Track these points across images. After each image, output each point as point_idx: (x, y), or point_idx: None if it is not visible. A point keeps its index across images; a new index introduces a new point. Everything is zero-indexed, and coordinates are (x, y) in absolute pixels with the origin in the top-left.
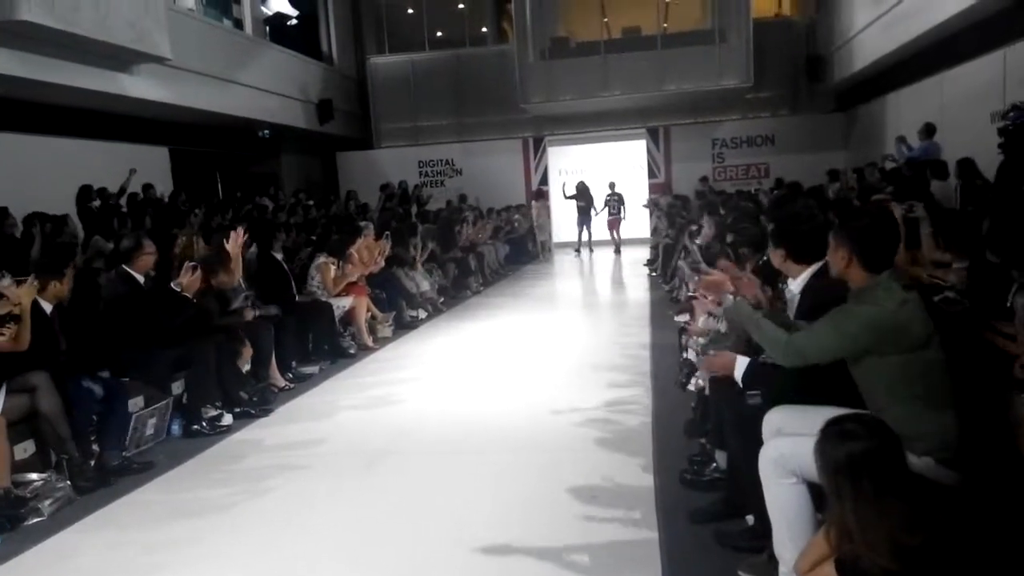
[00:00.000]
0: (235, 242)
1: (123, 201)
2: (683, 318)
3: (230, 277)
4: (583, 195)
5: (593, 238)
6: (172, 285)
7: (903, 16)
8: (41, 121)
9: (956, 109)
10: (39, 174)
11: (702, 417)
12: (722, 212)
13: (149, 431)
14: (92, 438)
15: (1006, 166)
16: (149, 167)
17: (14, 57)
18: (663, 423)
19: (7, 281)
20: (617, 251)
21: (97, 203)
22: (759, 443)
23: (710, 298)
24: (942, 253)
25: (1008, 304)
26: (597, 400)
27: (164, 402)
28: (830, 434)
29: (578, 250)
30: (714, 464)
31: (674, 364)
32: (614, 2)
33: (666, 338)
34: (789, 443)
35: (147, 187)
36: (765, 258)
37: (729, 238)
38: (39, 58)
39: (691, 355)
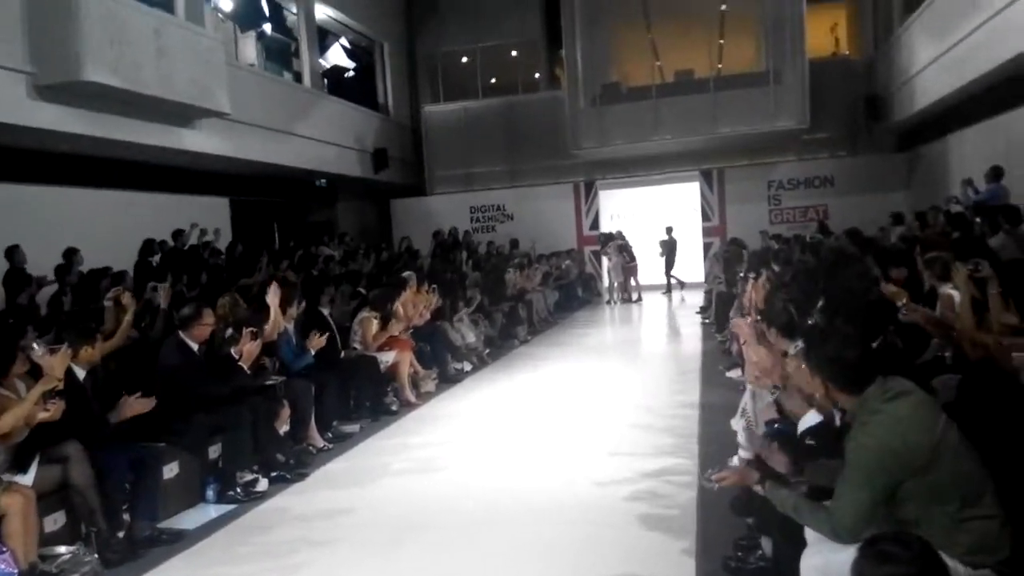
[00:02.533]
0: (274, 295)
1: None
2: (734, 374)
3: (272, 329)
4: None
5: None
6: (232, 352)
7: (966, 54)
8: (105, 175)
9: (1023, 150)
10: (103, 226)
11: (750, 494)
12: (775, 268)
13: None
14: (124, 507)
15: None
16: (210, 218)
17: (80, 116)
18: (709, 497)
19: (41, 350)
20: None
21: (158, 257)
22: (802, 541)
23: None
24: (1013, 315)
25: None
26: (642, 469)
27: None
28: (868, 554)
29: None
30: (760, 551)
31: (722, 429)
32: (666, 46)
33: (716, 396)
34: (835, 555)
35: (206, 244)
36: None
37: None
38: (103, 116)
39: (739, 426)
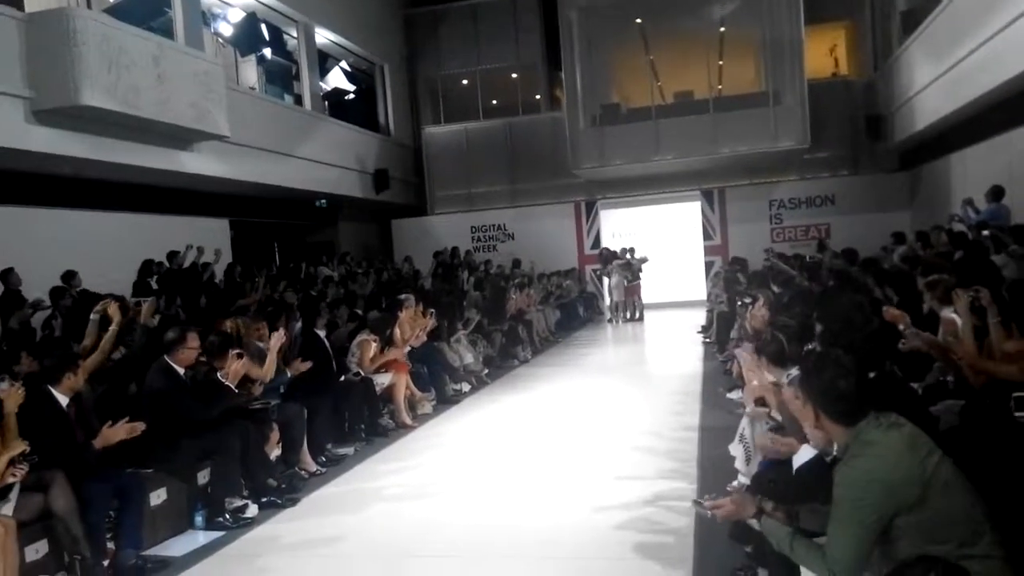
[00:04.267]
0: (277, 342)
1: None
2: (735, 395)
3: (264, 372)
4: (608, 261)
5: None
6: (219, 376)
7: (967, 74)
8: (105, 197)
9: None
10: (104, 248)
11: None
12: (775, 289)
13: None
14: (108, 535)
15: None
16: (210, 239)
17: (78, 139)
18: (707, 525)
19: (4, 385)
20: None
21: (156, 278)
22: (799, 573)
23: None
24: (1016, 341)
25: None
26: (639, 494)
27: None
28: None
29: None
30: None
31: (722, 453)
32: (666, 68)
33: (716, 419)
34: None
35: (205, 265)
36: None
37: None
38: (102, 139)
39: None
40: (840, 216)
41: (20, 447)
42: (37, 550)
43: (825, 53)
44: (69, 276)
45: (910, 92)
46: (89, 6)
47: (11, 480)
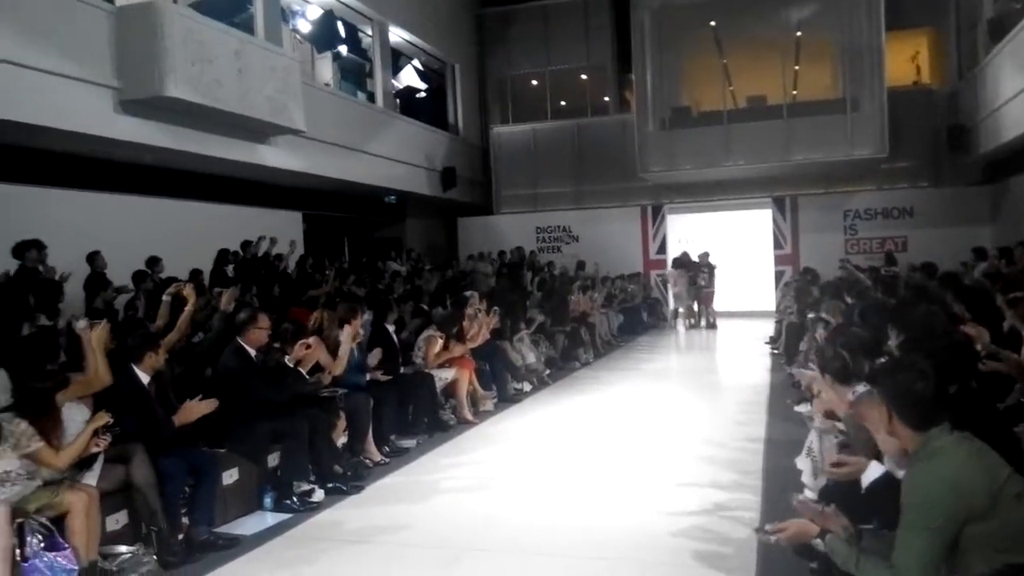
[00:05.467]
0: (349, 336)
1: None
2: (803, 408)
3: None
4: (687, 265)
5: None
6: (287, 360)
7: None
8: (184, 186)
9: None
10: (182, 236)
11: None
12: (848, 300)
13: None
14: (183, 510)
15: None
16: (284, 231)
17: (162, 129)
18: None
19: (83, 323)
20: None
21: (232, 266)
22: None
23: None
24: None
25: None
26: (699, 503)
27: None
28: None
29: (692, 324)
30: None
31: (787, 466)
32: (739, 72)
33: (782, 432)
34: None
35: (278, 256)
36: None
37: (840, 340)
38: (184, 130)
39: (805, 466)
40: (918, 229)
41: (104, 419)
42: (117, 520)
43: (907, 60)
44: (153, 262)
45: (996, 102)
46: (175, 1)
47: (95, 450)
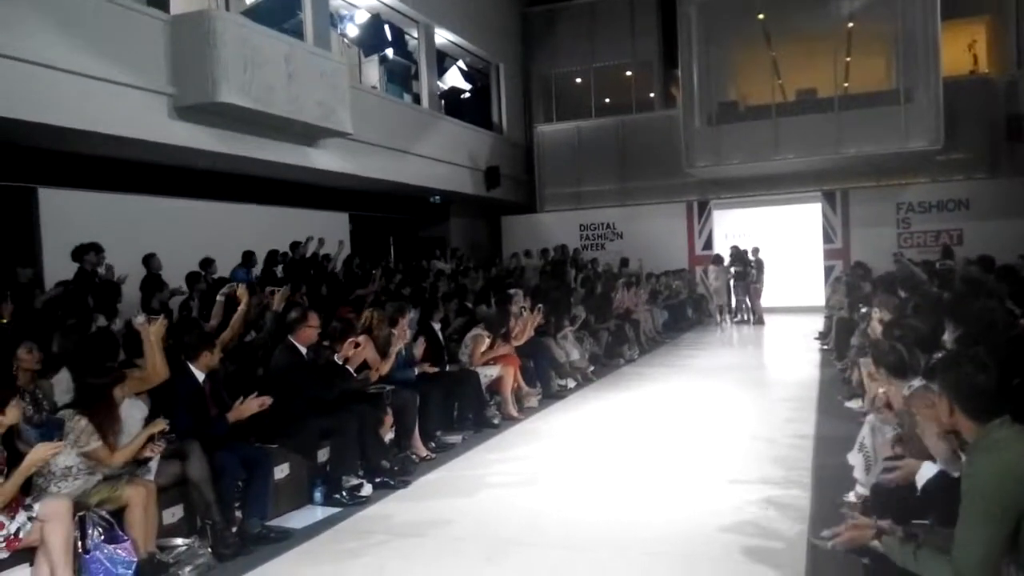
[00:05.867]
0: (399, 338)
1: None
2: (855, 404)
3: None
4: (739, 260)
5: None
6: (336, 358)
7: None
8: (235, 190)
9: None
10: (233, 238)
11: None
12: (902, 294)
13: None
14: (236, 504)
15: None
16: (331, 232)
17: (214, 134)
18: (821, 533)
19: (141, 318)
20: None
21: (281, 267)
22: None
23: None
24: None
25: None
26: (748, 499)
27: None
28: None
29: (739, 319)
30: None
31: (838, 462)
32: (788, 65)
33: (832, 429)
34: None
35: (326, 256)
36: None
37: (896, 333)
38: (236, 135)
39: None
40: (974, 222)
41: (160, 425)
42: (173, 514)
43: (963, 50)
44: (207, 263)
45: None
46: (228, 8)
47: (148, 455)
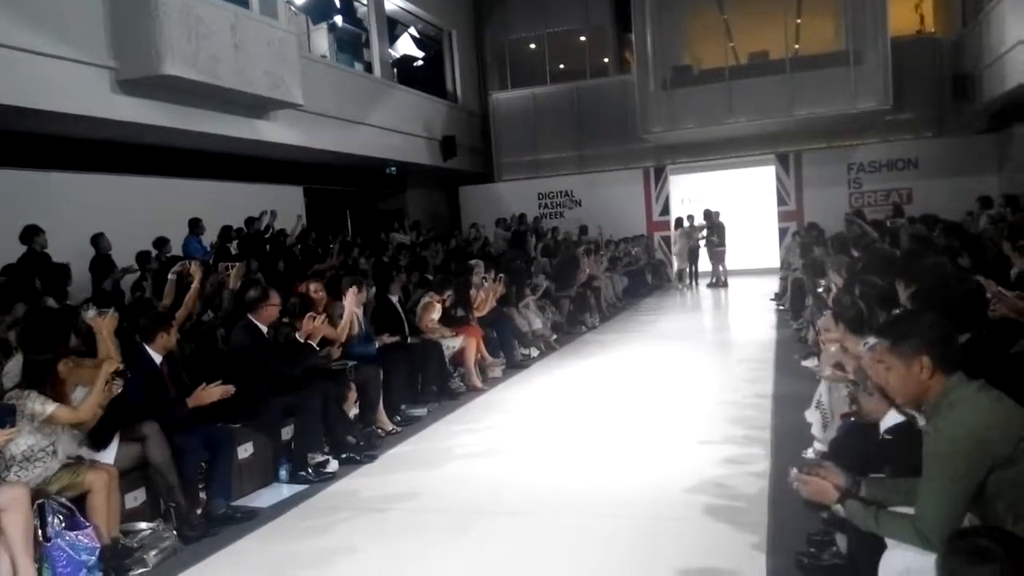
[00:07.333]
0: (352, 299)
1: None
2: (810, 363)
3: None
4: (713, 226)
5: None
6: (297, 335)
7: None
8: (184, 165)
9: None
10: (184, 214)
11: None
12: (855, 253)
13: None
14: (200, 486)
15: None
16: (287, 206)
17: (160, 108)
18: (782, 490)
19: (92, 312)
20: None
21: (236, 243)
22: (881, 540)
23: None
24: None
25: None
26: (708, 458)
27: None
28: (959, 550)
29: (712, 282)
30: (834, 548)
31: (796, 420)
32: (740, 28)
33: (790, 387)
34: (920, 558)
35: (281, 231)
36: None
37: (857, 290)
38: (182, 108)
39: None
40: (923, 180)
41: (114, 364)
42: (136, 497)
43: (910, 9)
44: (161, 242)
45: (1001, 49)
46: None
47: (116, 392)
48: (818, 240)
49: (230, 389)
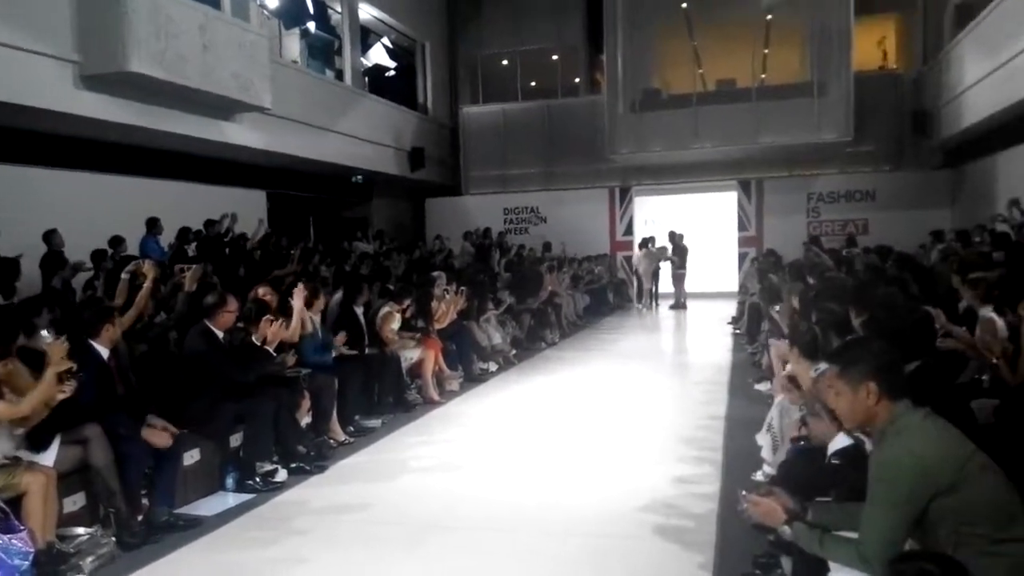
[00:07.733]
0: (299, 296)
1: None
2: (764, 387)
3: (291, 332)
4: (677, 249)
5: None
6: (254, 339)
7: (1018, 71)
8: (147, 164)
9: None
10: (144, 215)
11: None
12: (810, 280)
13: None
14: (143, 492)
15: None
16: (249, 210)
17: (124, 105)
18: (730, 511)
19: (49, 339)
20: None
21: (194, 245)
22: (824, 562)
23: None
24: None
25: None
26: (661, 478)
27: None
28: (903, 573)
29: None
30: (779, 570)
31: (748, 443)
32: (709, 55)
33: (743, 410)
34: None
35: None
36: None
37: (814, 316)
38: (147, 107)
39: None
40: (879, 212)
41: (66, 364)
42: (75, 501)
43: (874, 45)
44: (117, 241)
45: (959, 88)
46: None
47: (61, 396)
48: (775, 266)
49: (169, 439)
